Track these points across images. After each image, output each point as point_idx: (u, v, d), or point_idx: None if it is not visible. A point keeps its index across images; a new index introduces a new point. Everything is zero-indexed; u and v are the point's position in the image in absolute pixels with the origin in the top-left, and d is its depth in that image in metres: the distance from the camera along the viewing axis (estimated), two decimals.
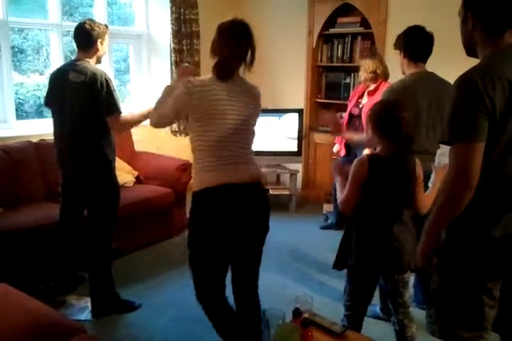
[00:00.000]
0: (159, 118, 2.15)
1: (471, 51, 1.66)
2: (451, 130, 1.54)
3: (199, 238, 2.08)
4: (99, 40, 2.74)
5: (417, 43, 2.63)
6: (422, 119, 2.59)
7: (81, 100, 2.66)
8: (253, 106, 2.12)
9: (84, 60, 2.73)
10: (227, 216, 2.03)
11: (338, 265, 2.22)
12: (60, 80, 2.75)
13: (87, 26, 2.72)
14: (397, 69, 2.82)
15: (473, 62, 1.61)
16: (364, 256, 2.11)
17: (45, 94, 2.91)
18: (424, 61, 2.66)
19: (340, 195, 2.16)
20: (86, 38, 2.73)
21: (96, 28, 2.73)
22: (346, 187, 2.10)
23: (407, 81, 2.64)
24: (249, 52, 2.07)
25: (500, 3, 1.52)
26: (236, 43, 2.05)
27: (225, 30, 2.07)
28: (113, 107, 2.65)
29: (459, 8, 1.64)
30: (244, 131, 2.11)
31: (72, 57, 2.93)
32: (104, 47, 2.80)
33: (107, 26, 2.83)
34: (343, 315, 2.22)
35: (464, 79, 1.53)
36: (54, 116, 2.83)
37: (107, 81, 2.64)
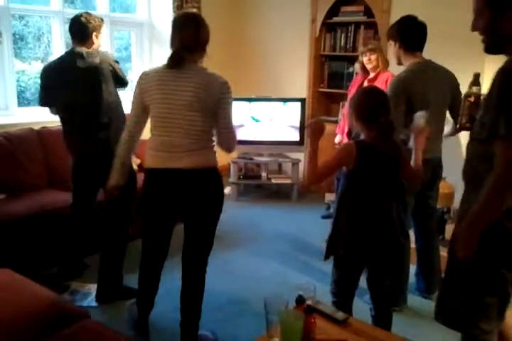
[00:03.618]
0: (129, 122, 2.25)
1: (496, 48, 1.56)
2: (507, 125, 1.41)
3: (146, 209, 2.29)
4: (94, 33, 2.74)
5: (412, 33, 2.57)
6: (431, 108, 2.57)
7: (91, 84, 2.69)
8: (202, 95, 2.09)
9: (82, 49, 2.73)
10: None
11: (327, 255, 2.21)
12: (68, 68, 2.72)
13: (83, 19, 2.72)
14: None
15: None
16: (353, 245, 2.10)
17: (41, 93, 2.86)
18: (421, 50, 2.61)
19: (309, 166, 2.14)
20: (81, 30, 2.73)
21: (92, 21, 2.73)
22: (325, 162, 2.10)
23: (415, 70, 2.57)
24: (198, 42, 2.14)
25: None
26: (180, 34, 2.14)
27: (173, 23, 2.17)
28: None
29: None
30: (185, 119, 2.10)
31: None
32: (99, 40, 2.80)
33: (102, 20, 2.83)
34: (331, 302, 2.20)
35: None
36: (64, 101, 2.80)
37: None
